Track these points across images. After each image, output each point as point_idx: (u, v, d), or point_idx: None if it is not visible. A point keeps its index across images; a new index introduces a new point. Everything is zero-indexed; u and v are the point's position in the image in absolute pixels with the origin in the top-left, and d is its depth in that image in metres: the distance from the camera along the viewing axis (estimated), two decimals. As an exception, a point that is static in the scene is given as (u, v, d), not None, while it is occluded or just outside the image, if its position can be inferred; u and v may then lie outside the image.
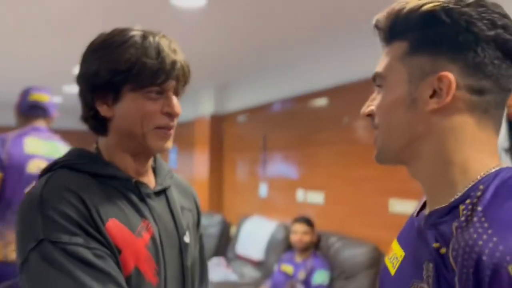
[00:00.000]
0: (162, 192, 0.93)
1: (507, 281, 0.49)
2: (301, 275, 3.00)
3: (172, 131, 0.88)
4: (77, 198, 0.77)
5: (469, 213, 0.56)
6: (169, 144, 0.88)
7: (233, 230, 4.48)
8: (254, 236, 3.95)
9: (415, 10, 0.62)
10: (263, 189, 4.30)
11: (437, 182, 0.63)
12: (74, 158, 0.86)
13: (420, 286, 0.60)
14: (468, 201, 0.58)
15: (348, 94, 3.34)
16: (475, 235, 0.53)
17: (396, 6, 0.65)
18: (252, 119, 4.61)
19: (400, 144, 0.65)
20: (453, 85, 0.59)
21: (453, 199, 0.60)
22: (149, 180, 0.92)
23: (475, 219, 0.55)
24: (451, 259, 0.55)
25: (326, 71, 3.54)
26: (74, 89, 5.52)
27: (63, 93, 5.64)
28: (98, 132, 0.90)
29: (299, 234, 3.10)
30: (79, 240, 0.74)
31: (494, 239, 0.52)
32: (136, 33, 0.85)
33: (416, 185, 2.57)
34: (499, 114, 0.63)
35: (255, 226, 4.06)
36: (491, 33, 0.59)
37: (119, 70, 0.82)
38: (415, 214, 0.71)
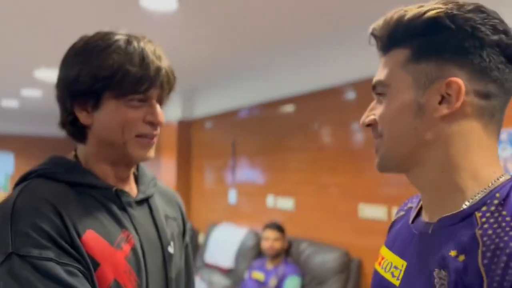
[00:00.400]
0: (145, 201, 0.89)
1: None
2: (273, 282, 2.98)
3: (155, 140, 0.85)
4: (53, 209, 0.73)
5: (492, 220, 0.56)
6: (151, 153, 0.86)
7: (201, 238, 4.41)
8: (224, 243, 3.91)
9: (418, 17, 0.61)
10: (232, 196, 4.26)
11: (443, 188, 0.62)
12: (51, 166, 0.82)
13: None
14: (484, 208, 0.58)
15: (316, 101, 3.38)
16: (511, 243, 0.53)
17: (394, 14, 0.64)
18: (220, 125, 4.58)
19: (405, 151, 0.64)
20: (463, 90, 0.59)
21: (466, 206, 0.59)
22: (131, 188, 0.89)
23: (507, 229, 0.55)
24: (481, 267, 0.54)
25: (294, 78, 3.57)
26: (33, 93, 5.31)
27: (21, 97, 5.39)
28: (76, 139, 0.86)
29: (270, 240, 3.09)
30: (50, 254, 0.69)
31: None
32: (120, 37, 0.81)
33: (384, 190, 2.65)
34: (501, 119, 0.64)
35: (225, 233, 4.01)
36: (495, 37, 0.60)
37: (100, 76, 0.78)
38: (410, 221, 0.70)
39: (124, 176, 0.87)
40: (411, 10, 0.63)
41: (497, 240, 0.54)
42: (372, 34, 0.68)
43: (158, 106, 0.83)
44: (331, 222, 3.19)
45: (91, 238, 0.75)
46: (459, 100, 0.60)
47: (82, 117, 0.82)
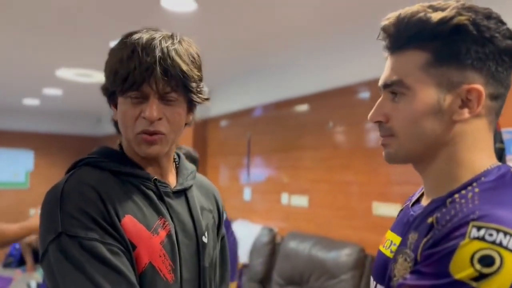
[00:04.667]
0: (182, 192, 0.93)
1: (464, 232, 0.56)
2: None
3: (158, 136, 0.84)
4: (96, 195, 0.78)
5: (466, 194, 0.63)
6: (156, 148, 0.85)
7: (216, 234, 4.48)
8: (239, 240, 3.97)
9: (445, 22, 0.64)
10: (247, 193, 4.33)
11: (444, 177, 0.68)
12: (98, 156, 0.87)
13: (405, 251, 0.67)
14: (463, 191, 0.64)
15: (330, 100, 3.42)
16: (465, 209, 0.60)
17: (412, 15, 0.66)
18: (235, 123, 4.64)
19: (420, 150, 0.69)
20: (483, 97, 0.65)
21: (456, 187, 0.66)
22: (170, 180, 0.93)
23: (471, 195, 0.63)
24: (434, 221, 0.63)
25: (308, 77, 3.61)
26: (54, 92, 5.43)
27: (42, 96, 5.54)
28: (119, 133, 0.92)
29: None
30: (95, 235, 0.75)
31: (476, 205, 0.60)
32: (129, 37, 0.84)
33: (398, 188, 2.70)
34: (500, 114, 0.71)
35: (240, 230, 4.07)
36: (505, 43, 0.65)
37: (106, 75, 0.86)
38: (410, 204, 0.78)
39: (159, 167, 0.91)
40: (435, 13, 0.65)
41: (457, 204, 0.62)
42: (384, 30, 0.70)
43: (155, 102, 0.82)
44: (346, 219, 3.23)
45: (130, 222, 0.80)
46: (479, 105, 0.65)
47: (113, 113, 0.90)
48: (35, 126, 6.87)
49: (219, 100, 4.85)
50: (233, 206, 4.54)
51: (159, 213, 0.86)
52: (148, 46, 0.81)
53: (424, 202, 0.73)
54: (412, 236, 0.66)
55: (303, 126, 3.71)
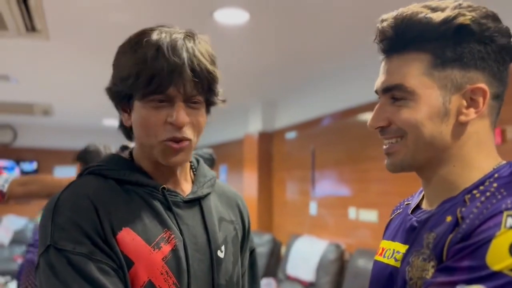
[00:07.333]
0: (196, 201, 0.86)
1: (498, 222, 0.54)
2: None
3: (185, 143, 0.78)
4: (91, 206, 0.73)
5: (486, 190, 0.62)
6: (180, 157, 0.79)
7: (283, 249, 4.36)
8: (305, 256, 3.81)
9: (447, 22, 0.63)
10: (313, 208, 4.16)
11: (453, 180, 0.67)
12: (104, 164, 0.83)
13: (421, 251, 0.64)
14: (482, 187, 0.63)
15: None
16: (494, 200, 0.58)
17: (412, 16, 0.65)
18: (300, 135, 4.52)
19: (429, 155, 0.67)
20: (488, 96, 0.65)
21: (467, 186, 0.65)
22: (184, 188, 0.86)
23: (493, 189, 0.61)
24: (459, 216, 0.60)
25: (374, 83, 3.40)
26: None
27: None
28: (128, 139, 0.87)
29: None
30: (83, 249, 0.70)
31: (505, 196, 0.58)
32: (147, 35, 0.77)
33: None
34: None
35: (306, 245, 3.92)
36: (504, 41, 0.65)
37: (122, 78, 0.77)
38: (410, 211, 0.75)
39: (171, 175, 0.85)
40: (435, 14, 0.64)
41: (483, 199, 0.60)
42: (383, 32, 0.68)
43: (181, 106, 0.76)
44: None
45: (127, 236, 0.74)
46: (485, 104, 0.65)
47: (124, 119, 0.83)
48: (115, 144, 7.31)
49: (284, 112, 4.78)
50: (299, 221, 4.40)
51: (164, 225, 0.78)
52: (175, 46, 0.75)
53: (427, 206, 0.72)
54: (429, 236, 0.65)
55: (370, 135, 3.48)
